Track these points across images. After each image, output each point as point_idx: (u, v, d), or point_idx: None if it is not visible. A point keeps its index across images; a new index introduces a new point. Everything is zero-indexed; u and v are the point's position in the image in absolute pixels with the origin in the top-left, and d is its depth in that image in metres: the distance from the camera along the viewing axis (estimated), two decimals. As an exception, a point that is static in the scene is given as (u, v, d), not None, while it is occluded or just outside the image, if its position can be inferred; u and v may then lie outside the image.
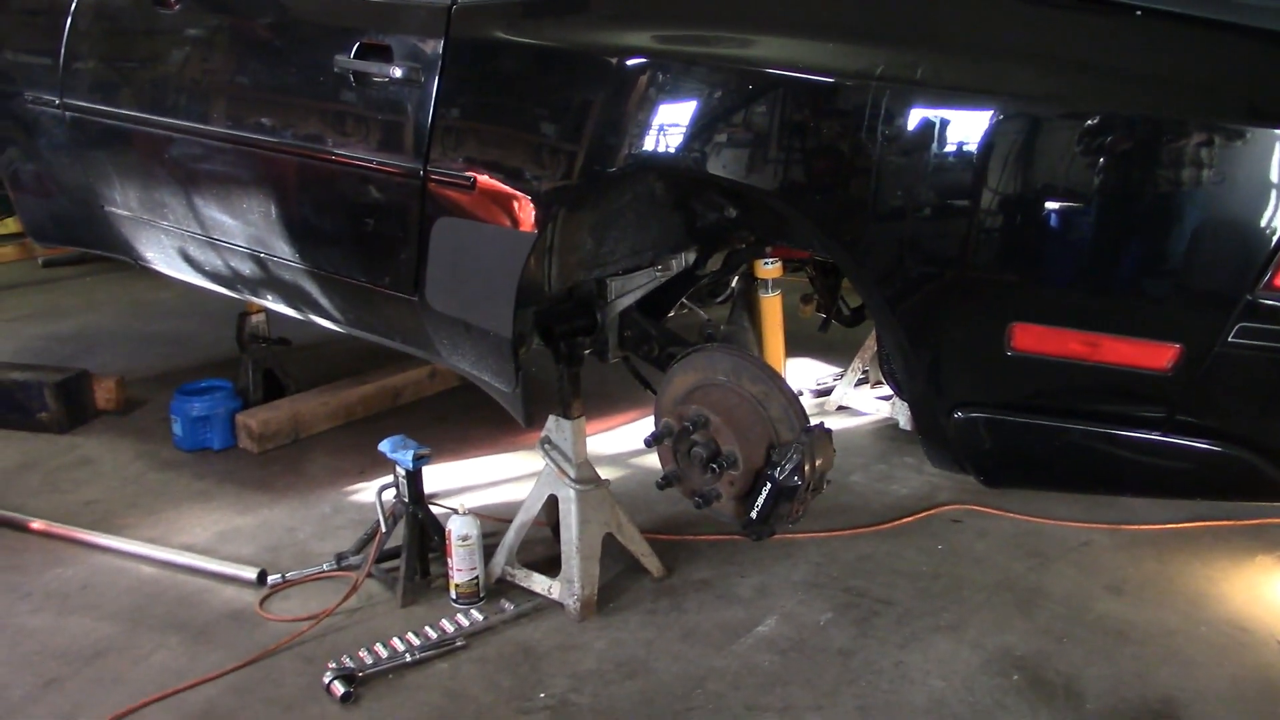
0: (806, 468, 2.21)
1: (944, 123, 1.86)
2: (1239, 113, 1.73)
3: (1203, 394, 1.80)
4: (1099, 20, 1.84)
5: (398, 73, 2.49)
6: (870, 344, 3.90)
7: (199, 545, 3.14)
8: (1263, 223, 1.70)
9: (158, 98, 3.06)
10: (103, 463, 3.70)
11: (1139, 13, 1.79)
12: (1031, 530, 3.15)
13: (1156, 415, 1.84)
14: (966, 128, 1.85)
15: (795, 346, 3.89)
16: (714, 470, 2.27)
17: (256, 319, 4.01)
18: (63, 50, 3.31)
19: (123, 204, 3.32)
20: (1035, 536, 3.12)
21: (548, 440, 2.79)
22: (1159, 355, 1.78)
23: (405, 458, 2.85)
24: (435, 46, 2.46)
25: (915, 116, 1.88)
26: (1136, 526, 3.13)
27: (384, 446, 2.90)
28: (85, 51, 3.28)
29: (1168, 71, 1.80)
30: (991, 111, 1.82)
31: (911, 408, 2.15)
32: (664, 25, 2.22)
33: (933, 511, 3.27)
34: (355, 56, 2.57)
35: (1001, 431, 1.96)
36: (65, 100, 3.31)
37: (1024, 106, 1.82)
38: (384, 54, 2.54)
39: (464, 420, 3.93)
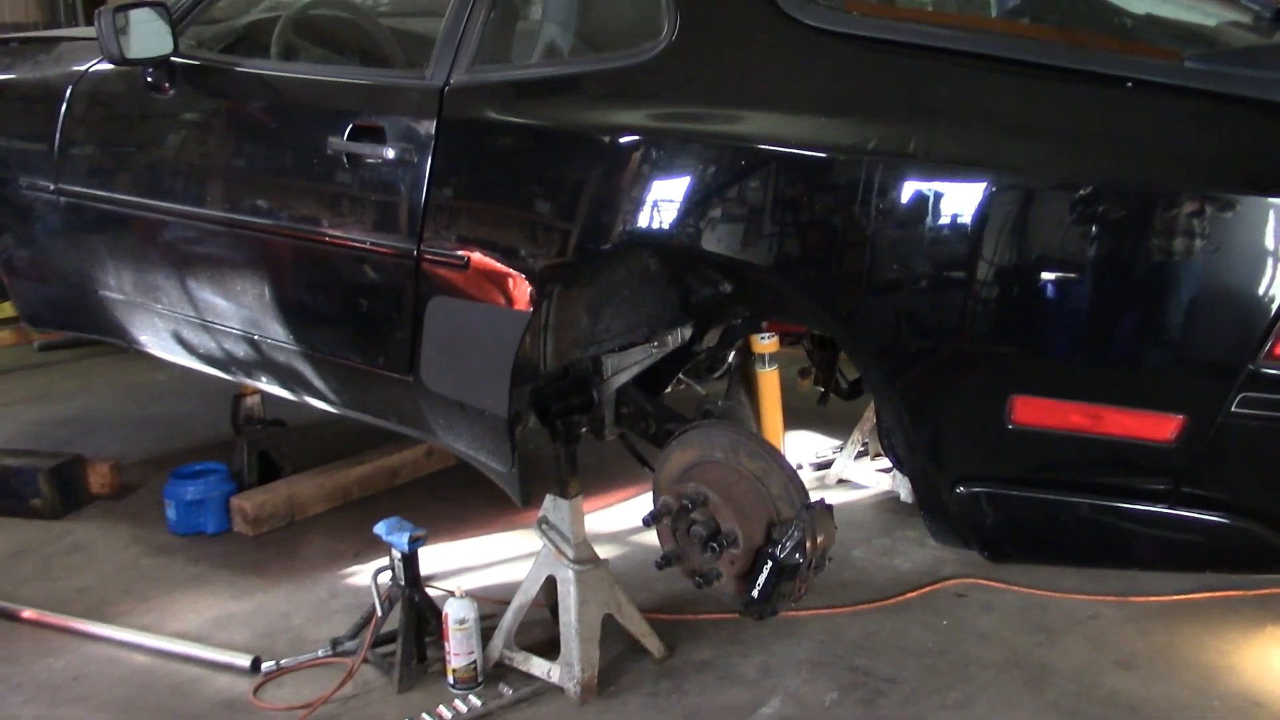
0: (808, 545, 2.17)
1: (938, 195, 1.86)
2: (1232, 182, 1.73)
3: (1208, 465, 1.77)
4: (1090, 92, 1.85)
5: (391, 154, 2.50)
6: (869, 416, 3.88)
7: (192, 632, 3.09)
8: (1261, 291, 1.69)
9: (152, 182, 3.07)
10: (96, 549, 3.65)
11: (1129, 84, 1.80)
12: (1038, 603, 3.10)
13: (1162, 487, 1.81)
14: (960, 200, 1.84)
15: (793, 419, 3.86)
16: (714, 549, 2.23)
17: (252, 401, 3.98)
18: (58, 136, 3.33)
19: (117, 288, 3.31)
20: (1042, 610, 3.07)
21: (545, 520, 2.76)
22: (1162, 426, 1.76)
23: (401, 540, 2.81)
24: (428, 127, 2.47)
25: (909, 190, 1.88)
26: (1144, 598, 3.09)
27: (380, 529, 2.86)
28: (80, 137, 3.29)
29: (1160, 142, 1.80)
30: (985, 183, 1.82)
31: (912, 482, 2.12)
32: (656, 103, 2.23)
33: (937, 586, 3.22)
34: (349, 138, 2.58)
35: (1005, 506, 1.94)
36: (60, 185, 3.32)
37: (1017, 178, 1.82)
38: (377, 135, 2.54)
39: (461, 499, 3.89)
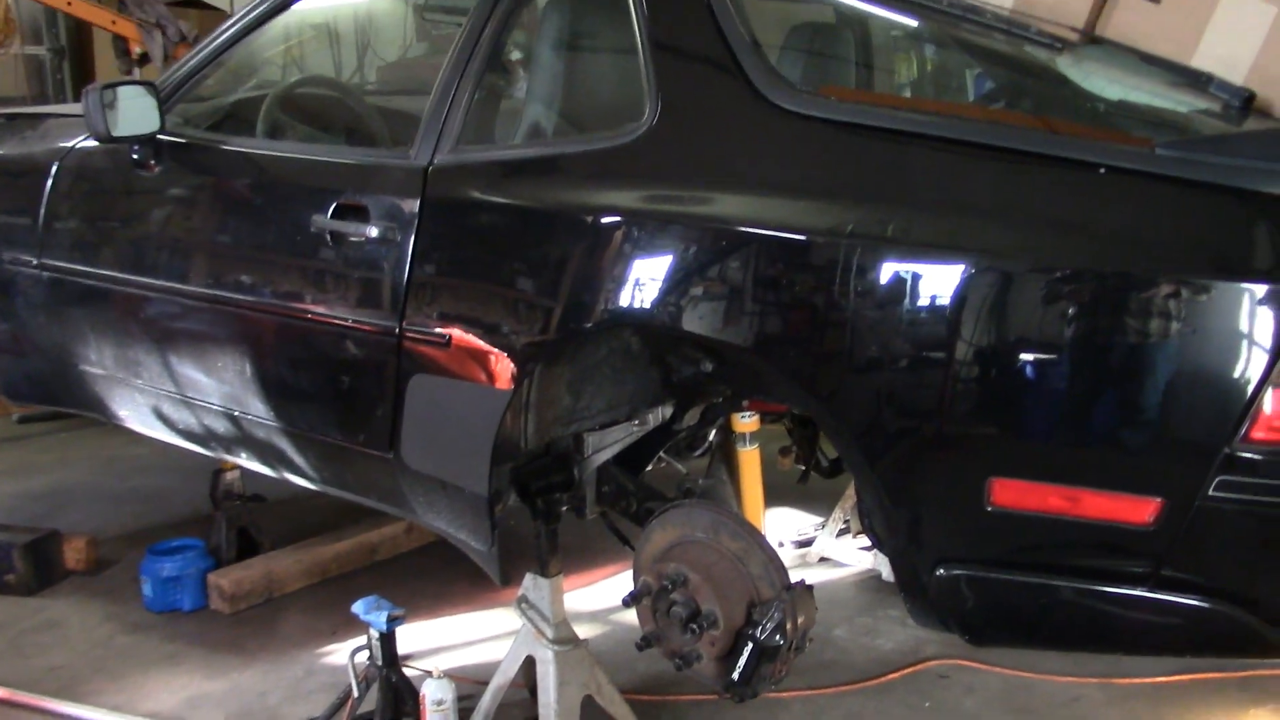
0: (789, 626, 2.16)
1: (916, 278, 1.87)
2: (1204, 267, 1.75)
3: (1187, 548, 1.77)
4: (1064, 177, 1.87)
5: (374, 232, 2.51)
6: (850, 494, 3.87)
7: (165, 713, 3.04)
8: (1236, 375, 1.70)
9: (136, 258, 3.08)
10: (70, 626, 3.60)
11: (1103, 170, 1.83)
12: (1020, 685, 3.08)
13: (1142, 570, 1.81)
14: (938, 283, 1.86)
15: (774, 497, 3.85)
16: (694, 630, 2.22)
17: (231, 476, 3.96)
18: (42, 211, 3.34)
19: (98, 363, 3.30)
20: (1025, 692, 3.05)
21: (525, 599, 2.74)
22: (1140, 509, 1.77)
23: (379, 619, 2.78)
24: (412, 206, 2.48)
25: (887, 272, 1.89)
26: (1128, 680, 3.07)
27: (357, 608, 2.83)
28: (65, 212, 3.30)
29: (1133, 227, 1.83)
30: (962, 266, 1.84)
31: (892, 563, 2.12)
32: (638, 184, 2.25)
33: (919, 667, 3.20)
34: (333, 216, 2.59)
35: (985, 589, 1.93)
36: (43, 260, 3.32)
37: (994, 262, 1.84)
38: (361, 213, 2.56)
39: (440, 576, 3.86)
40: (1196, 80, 2.06)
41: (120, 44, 6.62)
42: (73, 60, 8.32)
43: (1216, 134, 2.04)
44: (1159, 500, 1.76)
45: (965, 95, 2.77)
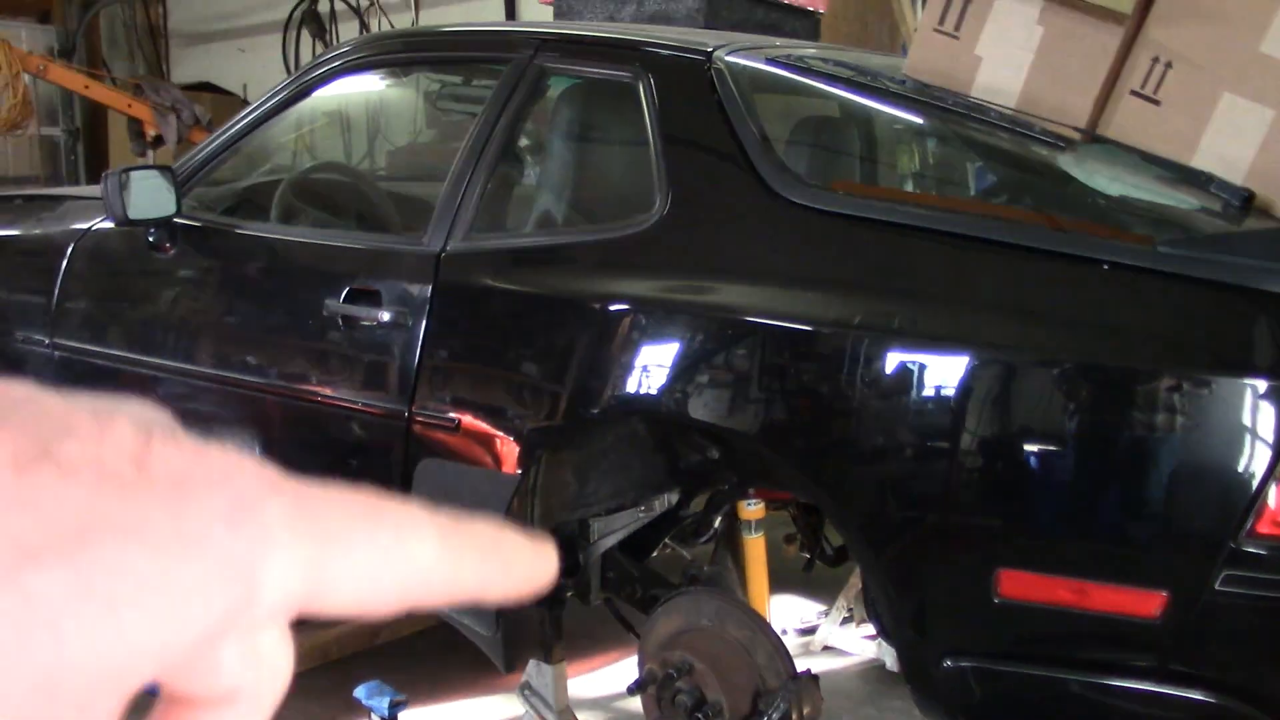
0: (794, 716, 2.15)
1: (922, 369, 1.90)
2: (1206, 363, 1.77)
3: (1194, 642, 1.78)
4: (1067, 272, 1.91)
5: (386, 316, 2.54)
6: (855, 582, 3.85)
7: (161, 797, 3.00)
8: (1240, 470, 1.72)
9: (149, 338, 3.11)
10: None
11: (1105, 266, 1.86)
12: (1027, 779, 3.04)
13: (1149, 664, 1.81)
14: (944, 375, 1.89)
15: (778, 583, 3.83)
16: (699, 719, 2.21)
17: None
18: (57, 291, 3.38)
19: (106, 442, 3.32)
20: (1031, 786, 3.01)
21: (528, 685, 2.72)
22: (1147, 603, 1.77)
23: (381, 705, 2.76)
24: (424, 291, 2.52)
25: (893, 363, 1.92)
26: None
27: (359, 693, 2.82)
28: (79, 292, 3.34)
29: (1135, 322, 1.86)
30: (967, 359, 1.87)
31: (899, 654, 2.12)
32: (647, 274, 2.29)
33: (924, 759, 3.16)
34: (345, 300, 2.63)
35: (992, 681, 1.93)
36: (55, 340, 3.36)
37: (998, 355, 1.86)
38: (373, 298, 2.60)
39: (442, 661, 3.83)
40: (1197, 179, 2.10)
41: (135, 126, 6.74)
42: (87, 142, 8.46)
43: (1217, 232, 2.08)
44: (1165, 594, 1.76)
45: (967, 190, 2.82)
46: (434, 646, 3.99)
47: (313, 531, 0.27)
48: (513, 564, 0.31)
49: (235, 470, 0.27)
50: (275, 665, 0.29)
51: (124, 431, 0.26)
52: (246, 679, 0.28)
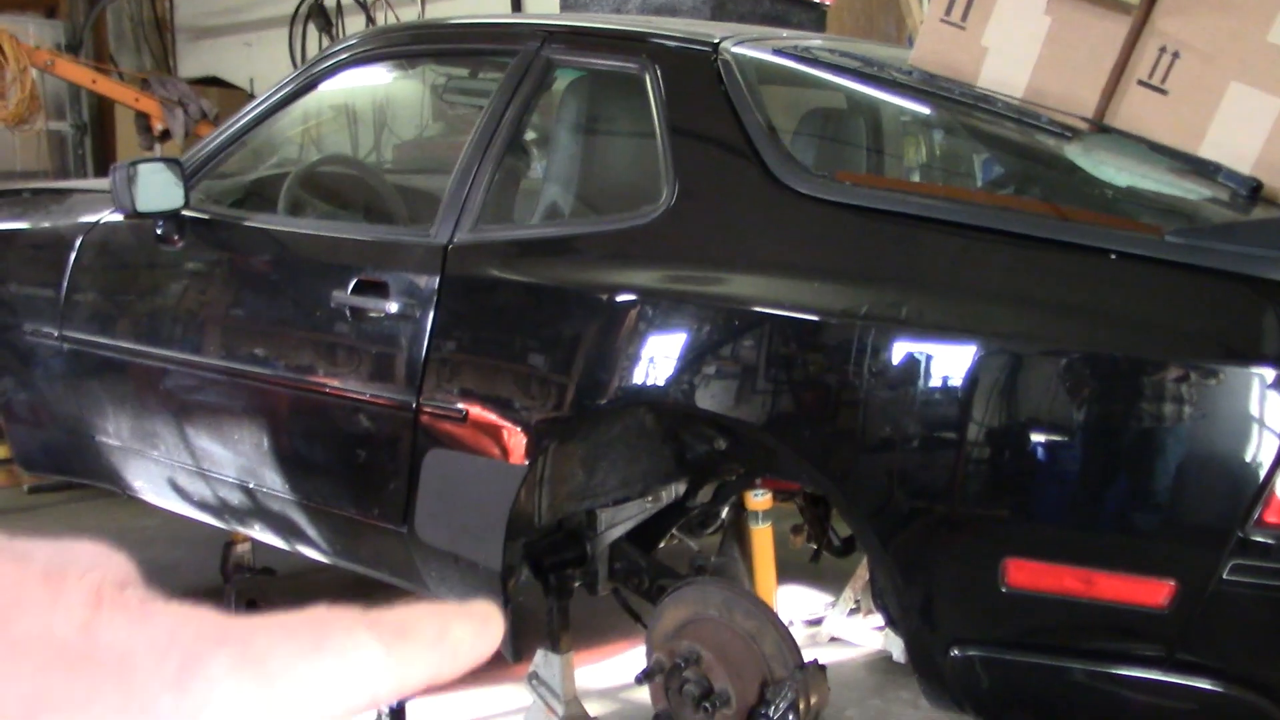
0: (801, 706, 2.16)
1: (929, 359, 1.90)
2: (1214, 352, 1.77)
3: (1202, 631, 1.78)
4: (1074, 262, 1.91)
5: (394, 308, 2.55)
6: (862, 573, 3.86)
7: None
8: (1248, 458, 1.72)
9: (156, 331, 3.12)
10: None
11: (1113, 256, 1.86)
12: (1034, 769, 3.04)
13: (1156, 653, 1.81)
14: (951, 365, 1.89)
15: (785, 574, 3.84)
16: (707, 709, 2.21)
17: (242, 549, 3.95)
18: (65, 284, 3.39)
19: (115, 434, 3.33)
20: (1038, 776, 3.01)
21: (536, 675, 2.73)
22: (1154, 592, 1.77)
23: (389, 694, 2.77)
24: (431, 283, 2.52)
25: (900, 353, 1.92)
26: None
27: (367, 682, 2.82)
28: (87, 285, 3.35)
29: (1143, 312, 1.86)
30: (975, 349, 1.87)
31: (906, 643, 2.12)
32: (653, 265, 2.29)
33: (931, 749, 3.16)
34: (353, 292, 2.63)
35: (1000, 671, 1.93)
36: (64, 332, 3.37)
37: (1006, 345, 1.86)
38: (381, 290, 2.60)
39: (449, 652, 3.84)
40: (1204, 169, 2.10)
41: (142, 120, 6.75)
42: (95, 136, 8.48)
43: (1226, 222, 2.08)
44: (1173, 583, 1.76)
45: (973, 180, 2.82)
46: (442, 638, 3.99)
47: (259, 675, 0.28)
48: (459, 646, 0.32)
49: (180, 629, 0.27)
50: None
51: (74, 599, 0.26)
52: None
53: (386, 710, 2.78)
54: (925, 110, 2.80)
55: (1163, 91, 2.11)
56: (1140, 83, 2.14)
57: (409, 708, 2.82)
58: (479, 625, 0.33)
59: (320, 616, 0.29)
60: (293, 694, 0.28)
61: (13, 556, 0.26)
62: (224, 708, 0.26)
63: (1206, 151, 2.08)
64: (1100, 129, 2.22)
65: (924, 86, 2.44)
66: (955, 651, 1.95)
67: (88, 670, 0.25)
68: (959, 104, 2.40)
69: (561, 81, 2.77)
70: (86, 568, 0.27)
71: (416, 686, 0.31)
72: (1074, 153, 2.22)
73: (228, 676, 0.27)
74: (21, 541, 0.27)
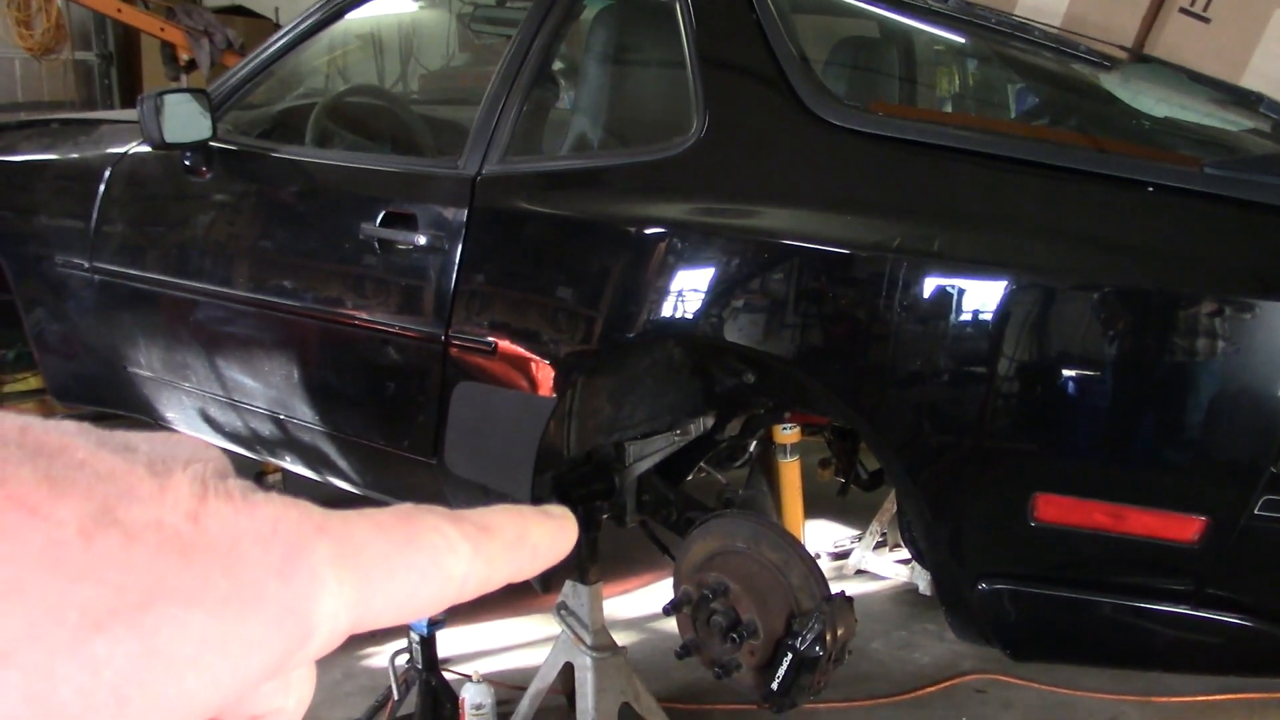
0: (828, 637, 2.17)
1: (961, 293, 1.88)
2: (1252, 286, 1.75)
3: (1231, 567, 1.77)
4: (1111, 195, 1.88)
5: (422, 240, 2.54)
6: (889, 506, 3.87)
7: (207, 711, 3.07)
8: (1282, 394, 1.70)
9: (186, 262, 3.13)
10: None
11: (1150, 189, 1.83)
12: (1058, 702, 3.07)
13: (1185, 589, 1.81)
14: (983, 298, 1.87)
15: (812, 508, 3.85)
16: (734, 639, 2.23)
17: (272, 479, 4.00)
18: (95, 215, 3.40)
19: (147, 365, 3.36)
20: (1063, 708, 3.04)
21: (564, 606, 2.76)
22: (1185, 527, 1.77)
23: (419, 623, 2.81)
24: (460, 215, 2.51)
25: (932, 287, 1.90)
26: (1167, 698, 3.05)
27: (398, 611, 2.86)
28: (116, 216, 3.36)
29: (1179, 246, 1.83)
30: (1007, 283, 1.85)
31: (934, 577, 2.13)
32: (683, 197, 2.28)
33: (956, 681, 3.19)
34: (381, 224, 2.63)
35: (1027, 604, 1.93)
36: (94, 264, 3.38)
37: (1039, 279, 1.84)
38: (409, 222, 2.59)
39: (478, 582, 3.88)
40: (1246, 99, 2.06)
41: (168, 51, 6.72)
42: (120, 66, 8.44)
43: (1266, 153, 2.04)
44: (1203, 519, 1.76)
45: (1010, 111, 2.78)
46: (471, 568, 4.04)
47: (357, 567, 0.28)
48: (538, 548, 0.33)
49: (283, 520, 0.28)
50: (302, 693, 0.31)
51: (181, 490, 0.27)
52: (275, 705, 0.30)
53: (417, 638, 2.83)
54: (961, 39, 2.75)
55: (1205, 19, 2.07)
56: (1182, 10, 2.09)
57: (439, 636, 2.86)
58: (556, 528, 0.34)
59: (409, 512, 0.30)
60: (386, 586, 0.29)
61: (117, 449, 0.27)
62: (327, 591, 0.27)
63: (1249, 81, 2.04)
64: (1140, 58, 2.18)
65: (959, 14, 2.39)
66: (983, 585, 1.96)
67: (198, 558, 0.26)
68: (996, 33, 2.35)
69: (590, 10, 2.73)
70: (188, 460, 0.28)
71: (498, 584, 0.32)
72: (1112, 83, 2.18)
73: (328, 566, 0.28)
74: (123, 434, 0.27)
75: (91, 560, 0.24)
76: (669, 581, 2.43)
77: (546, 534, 0.33)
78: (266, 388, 2.99)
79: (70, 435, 0.27)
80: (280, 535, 0.27)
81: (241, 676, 0.26)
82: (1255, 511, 1.72)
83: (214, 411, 3.24)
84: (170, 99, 2.96)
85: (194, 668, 0.25)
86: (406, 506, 0.31)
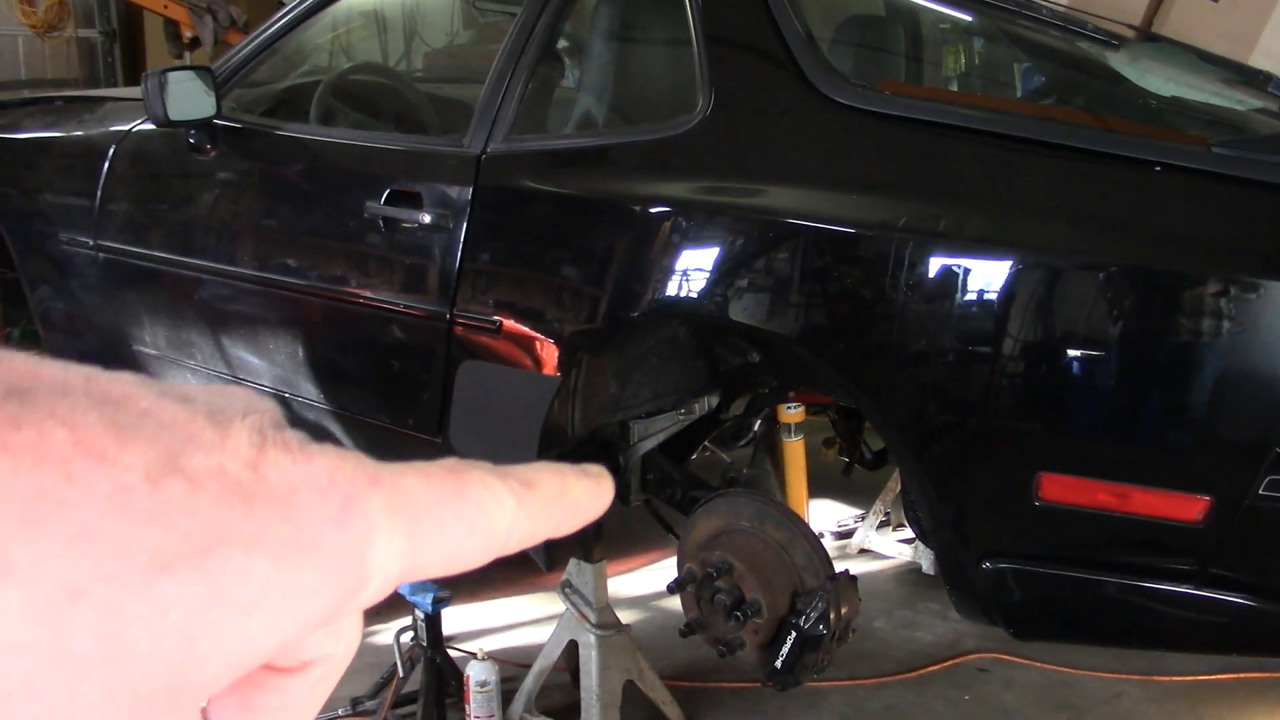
0: (832, 616, 2.18)
1: (966, 272, 1.88)
2: (1257, 267, 1.75)
3: (1235, 547, 1.78)
4: (1117, 174, 1.87)
5: (427, 218, 2.54)
6: (892, 486, 3.87)
7: (213, 688, 3.09)
8: (1288, 374, 1.70)
9: (190, 240, 3.12)
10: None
11: (1157, 168, 1.83)
12: (1061, 681, 3.08)
13: (1189, 568, 1.82)
14: (988, 278, 1.87)
15: (816, 487, 3.86)
16: (738, 618, 2.24)
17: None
18: (99, 193, 3.39)
19: (151, 343, 3.36)
20: (1065, 687, 3.05)
21: (568, 584, 2.77)
22: (1189, 507, 1.77)
23: (424, 601, 2.82)
24: (464, 194, 2.51)
25: (937, 266, 1.90)
26: (1169, 678, 3.06)
27: (403, 588, 2.87)
28: (121, 194, 3.36)
29: (1186, 226, 1.83)
30: (1012, 262, 1.85)
31: (938, 556, 2.13)
32: (689, 176, 2.27)
33: (959, 660, 3.20)
34: (386, 202, 2.62)
35: (1031, 583, 1.94)
36: (99, 241, 3.38)
37: (1045, 258, 1.84)
38: (414, 200, 2.59)
39: (483, 560, 3.89)
40: (1254, 79, 2.05)
41: (171, 28, 6.70)
42: (124, 44, 8.42)
43: (1274, 133, 2.04)
44: (1207, 499, 1.76)
45: (1014, 90, 2.77)
46: (475, 546, 4.05)
47: (409, 518, 0.29)
48: (578, 505, 0.34)
49: (339, 470, 0.28)
50: (350, 640, 0.32)
51: (240, 440, 0.27)
52: (325, 651, 0.31)
53: (422, 616, 2.83)
54: (967, 17, 2.74)
55: (1214, -2, 2.06)
56: (1191, -11, 2.08)
57: (444, 614, 2.87)
58: (595, 485, 0.34)
59: (456, 466, 0.31)
60: (435, 537, 0.30)
61: (177, 399, 0.28)
62: (380, 540, 0.28)
63: (1257, 60, 2.03)
64: (1148, 36, 2.17)
65: (966, -8, 2.38)
66: (987, 564, 1.96)
67: (258, 505, 0.26)
68: (1002, 10, 2.34)
69: (595, -13, 2.72)
70: (245, 410, 0.29)
71: (539, 539, 0.32)
72: (1120, 62, 2.17)
73: (381, 516, 0.28)
74: (180, 386, 0.28)
75: (157, 505, 0.25)
76: (673, 560, 2.44)
77: (585, 491, 0.34)
78: (271, 366, 2.99)
79: (132, 386, 0.28)
80: (337, 485, 0.28)
81: (299, 621, 0.27)
82: (1260, 491, 1.72)
83: (219, 390, 3.25)
84: (174, 76, 2.95)
85: (257, 611, 0.26)
86: (453, 460, 0.31)
